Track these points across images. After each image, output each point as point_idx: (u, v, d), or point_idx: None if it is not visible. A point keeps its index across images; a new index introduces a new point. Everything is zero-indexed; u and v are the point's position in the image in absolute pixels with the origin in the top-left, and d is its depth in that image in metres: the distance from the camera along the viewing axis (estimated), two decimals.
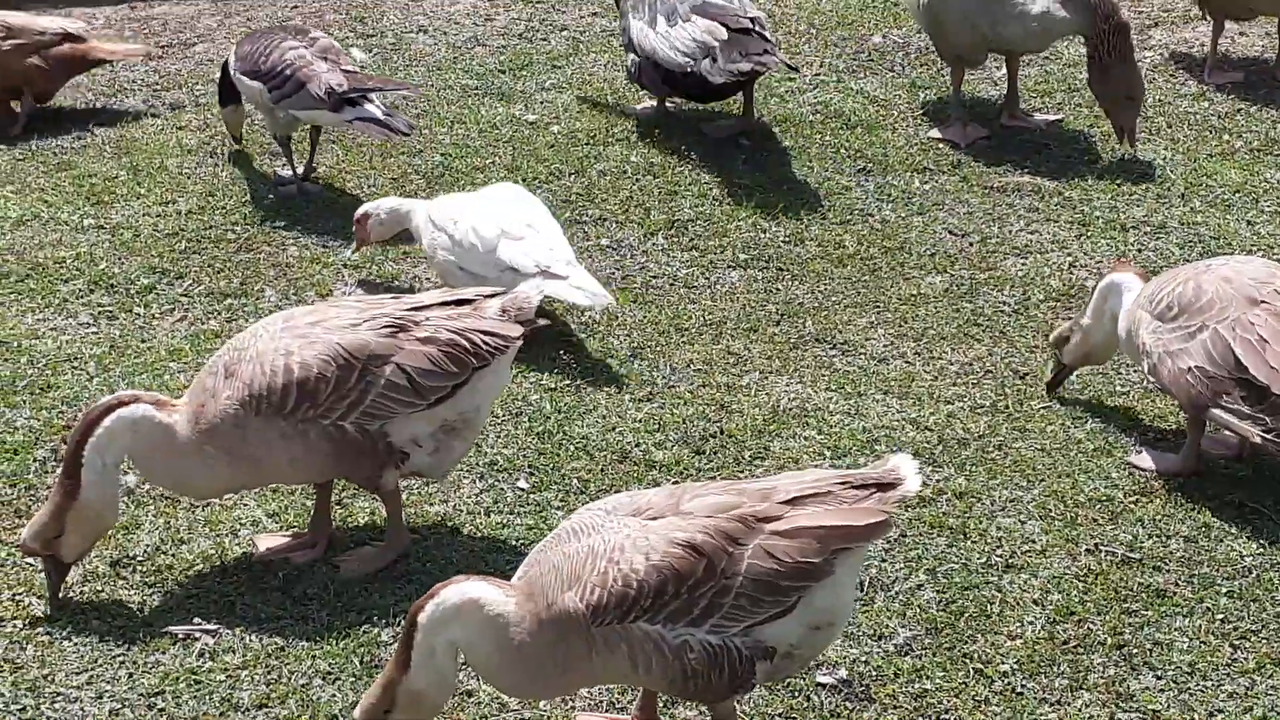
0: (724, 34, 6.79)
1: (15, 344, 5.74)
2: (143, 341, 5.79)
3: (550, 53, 8.02)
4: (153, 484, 4.89)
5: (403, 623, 3.86)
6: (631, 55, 7.16)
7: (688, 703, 4.16)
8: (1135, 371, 5.49)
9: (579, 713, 4.36)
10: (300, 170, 6.90)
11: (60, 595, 4.58)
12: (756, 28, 6.91)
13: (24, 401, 5.44)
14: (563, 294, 5.68)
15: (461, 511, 5.03)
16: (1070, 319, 5.49)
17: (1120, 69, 7.02)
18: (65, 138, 7.14)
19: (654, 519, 3.93)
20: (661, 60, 6.93)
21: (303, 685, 4.40)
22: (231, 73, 6.73)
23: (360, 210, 6.18)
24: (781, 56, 7.06)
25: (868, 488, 4.04)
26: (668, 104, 7.47)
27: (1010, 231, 6.63)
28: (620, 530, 3.89)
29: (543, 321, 4.81)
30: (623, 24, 7.25)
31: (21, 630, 4.53)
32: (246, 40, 6.82)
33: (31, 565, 4.67)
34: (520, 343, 4.70)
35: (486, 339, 4.63)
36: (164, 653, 4.48)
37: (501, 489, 5.14)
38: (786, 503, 3.98)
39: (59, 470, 4.51)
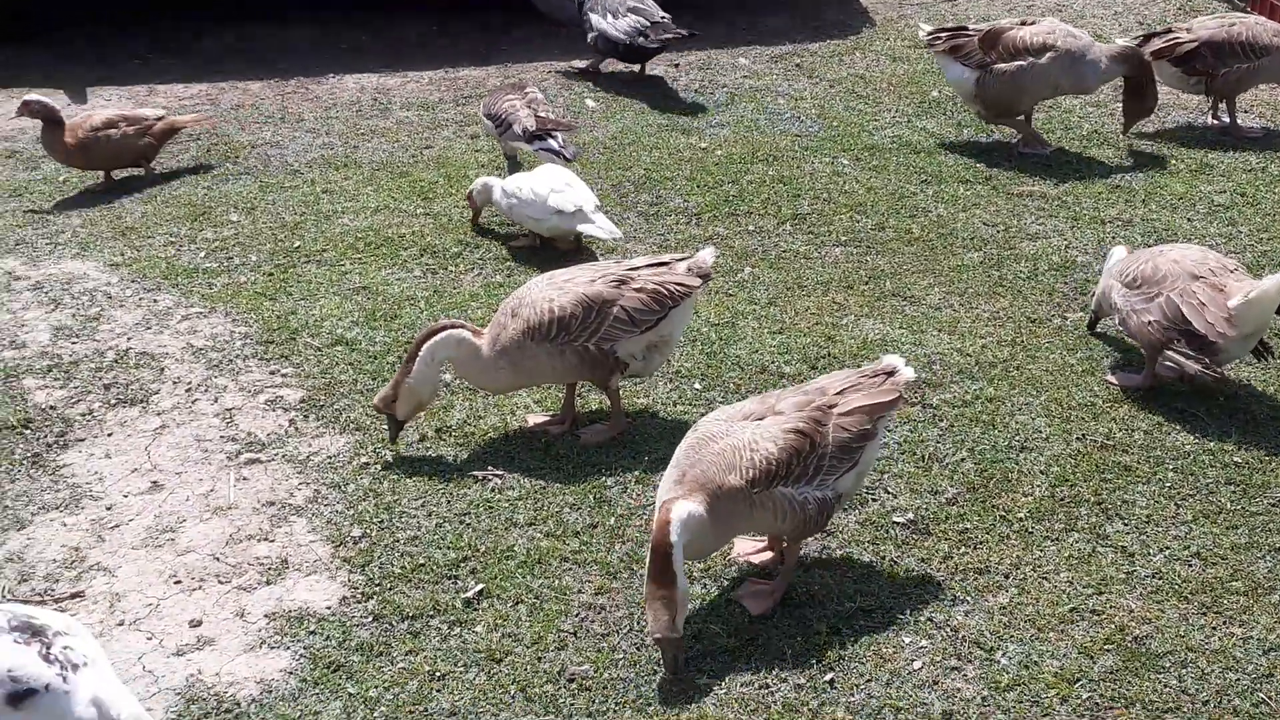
0: (648, 22, 7.80)
1: (375, 288, 5.81)
2: (454, 289, 5.84)
3: (715, 102, 7.91)
4: (462, 381, 4.90)
5: (651, 552, 3.66)
6: (591, 34, 7.98)
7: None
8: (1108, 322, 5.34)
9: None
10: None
11: (397, 442, 4.67)
12: (667, 20, 7.85)
13: (380, 325, 5.52)
14: (591, 231, 5.86)
15: (657, 403, 5.02)
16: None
17: (1151, 89, 6.92)
18: (403, 154, 7.20)
19: (759, 420, 3.90)
20: (611, 37, 7.86)
21: (556, 511, 4.43)
22: (480, 113, 6.84)
23: (467, 190, 6.32)
24: (680, 32, 7.80)
25: (878, 376, 4.02)
26: (601, 68, 8.29)
27: (1025, 223, 6.45)
28: (744, 430, 3.86)
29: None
30: (584, 15, 8.06)
31: (381, 470, 4.62)
32: (490, 95, 6.90)
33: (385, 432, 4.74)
34: (701, 289, 4.70)
35: (678, 287, 4.64)
36: (469, 488, 4.54)
37: (683, 389, 5.11)
38: (838, 394, 3.96)
39: (405, 359, 4.59)
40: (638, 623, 3.95)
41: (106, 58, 8.52)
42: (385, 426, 4.70)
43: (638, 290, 4.62)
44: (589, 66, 8.33)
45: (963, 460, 4.67)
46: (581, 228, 5.89)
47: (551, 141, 6.47)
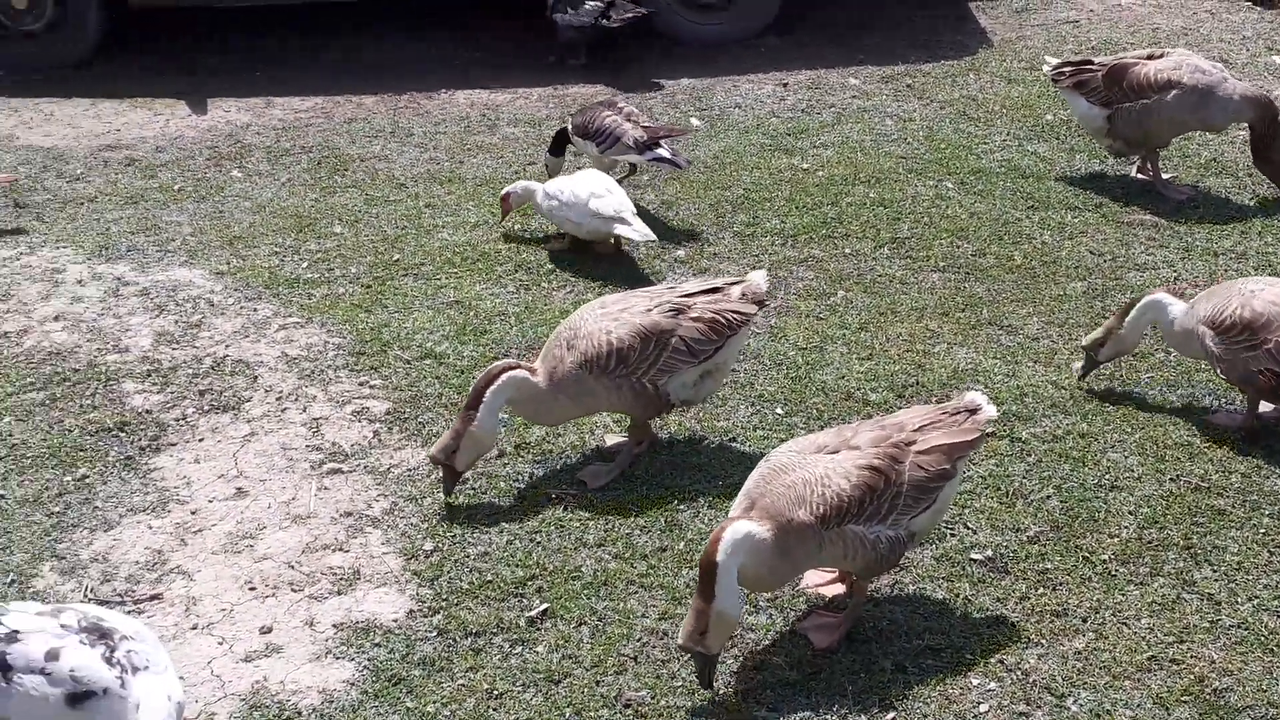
0: (605, 4, 8.45)
1: (468, 303, 5.88)
2: (544, 305, 5.88)
3: (821, 122, 7.84)
4: (523, 418, 4.83)
5: (700, 565, 3.65)
6: (562, 28, 8.57)
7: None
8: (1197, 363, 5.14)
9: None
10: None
11: (452, 496, 4.52)
12: (626, 2, 8.55)
13: (470, 340, 5.58)
14: (627, 233, 5.95)
15: (737, 427, 4.98)
16: (1101, 327, 5.08)
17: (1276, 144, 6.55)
18: (506, 170, 7.26)
19: (834, 453, 3.82)
20: (576, 25, 8.52)
21: (626, 534, 4.42)
22: (570, 134, 6.78)
23: (504, 191, 6.40)
24: (641, 11, 8.55)
25: (960, 414, 3.93)
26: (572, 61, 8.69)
27: (1134, 253, 6.26)
28: (817, 464, 3.78)
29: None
30: (552, 17, 8.59)
31: (458, 485, 4.65)
32: (578, 114, 6.85)
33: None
34: (757, 316, 4.71)
35: (735, 315, 4.60)
36: (542, 506, 4.55)
37: (764, 414, 5.06)
38: (917, 430, 3.86)
39: (464, 406, 4.48)
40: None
41: (227, 69, 8.77)
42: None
43: (695, 319, 4.55)
44: (556, 58, 8.73)
45: (1048, 497, 4.55)
46: (618, 230, 6.00)
47: (662, 150, 6.51)
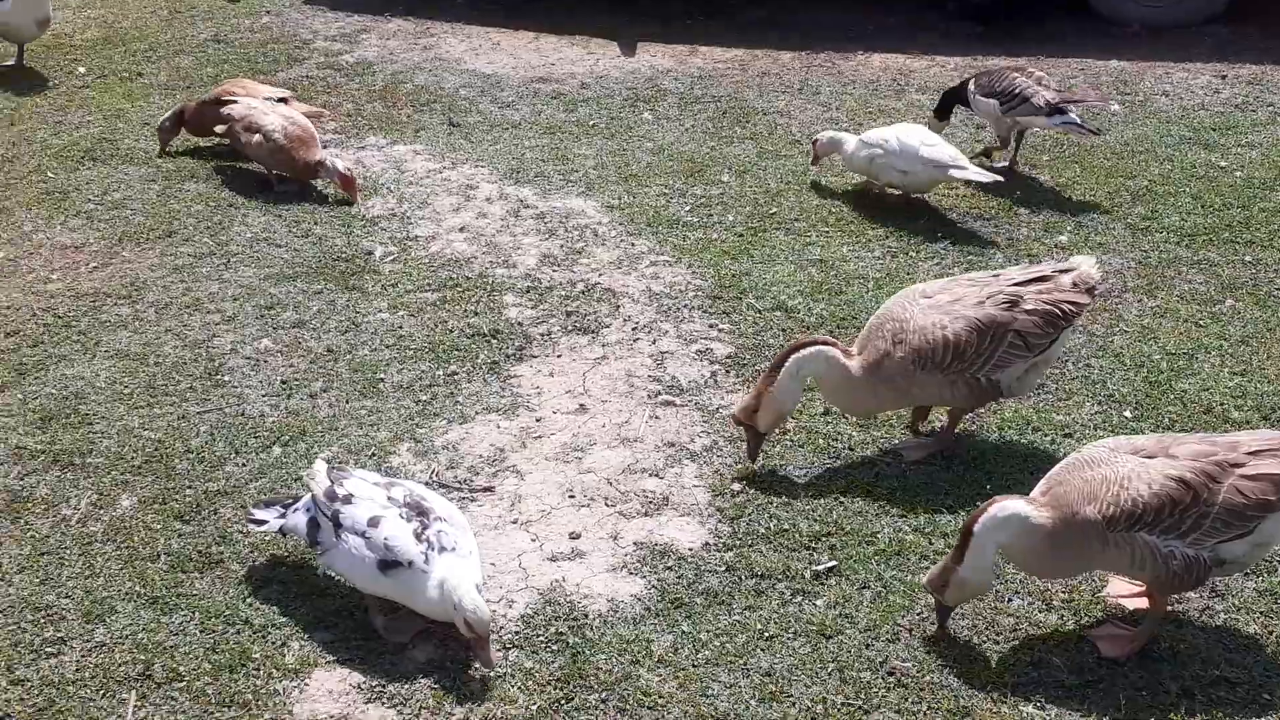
0: None
1: (831, 262, 5.95)
2: (907, 274, 5.84)
3: (1254, 120, 7.26)
4: (829, 403, 4.82)
5: (961, 528, 3.74)
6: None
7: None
8: None
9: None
10: (1007, 161, 6.74)
11: (755, 456, 4.57)
12: None
13: (824, 298, 5.66)
14: (969, 176, 6.04)
15: (1077, 424, 4.80)
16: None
17: None
18: None
19: (1149, 458, 3.63)
20: None
21: (933, 510, 4.37)
22: (970, 95, 6.66)
23: (815, 138, 6.54)
24: None
25: None
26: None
27: None
28: (1124, 464, 3.63)
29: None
30: None
31: (778, 434, 4.74)
32: (983, 74, 6.72)
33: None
34: (1090, 306, 4.53)
35: (1070, 306, 4.40)
36: (856, 469, 4.59)
37: (1111, 415, 4.84)
38: (1251, 454, 3.59)
39: (768, 368, 4.53)
40: (980, 634, 3.87)
41: (660, 14, 9.18)
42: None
43: (1030, 312, 4.38)
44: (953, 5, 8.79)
45: None
46: (956, 174, 6.07)
47: (1072, 114, 6.31)
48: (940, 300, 4.48)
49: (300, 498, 4.03)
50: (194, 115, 6.99)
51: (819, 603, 4.02)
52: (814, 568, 4.15)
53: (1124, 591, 4.01)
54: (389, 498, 3.85)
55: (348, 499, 3.84)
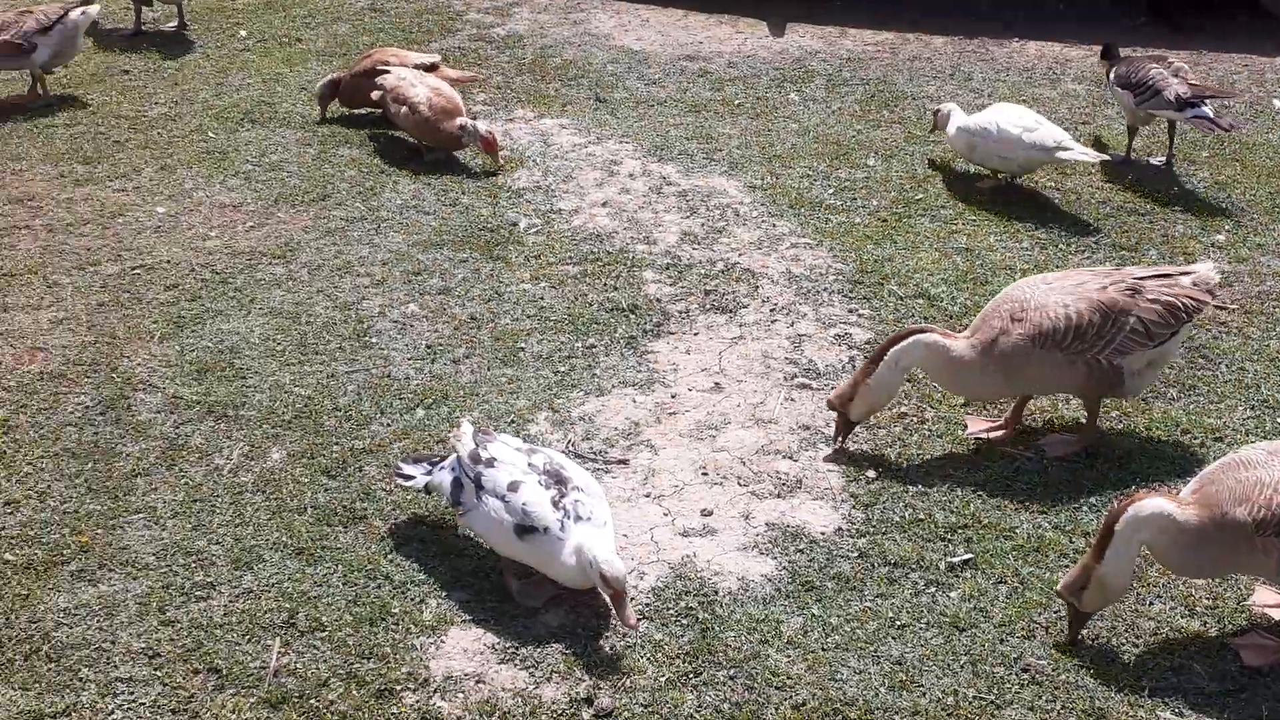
0: None
1: (977, 251, 5.85)
2: (1057, 265, 5.72)
3: None
4: (938, 385, 4.76)
5: (1101, 524, 3.70)
6: None
7: None
8: None
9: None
10: (1164, 159, 6.60)
11: (842, 442, 4.56)
12: None
13: (968, 287, 5.56)
14: (1075, 157, 6.05)
15: (1228, 427, 4.67)
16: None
17: None
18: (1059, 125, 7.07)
19: None
20: None
21: (1074, 507, 4.30)
22: (1109, 84, 6.61)
23: (936, 108, 6.66)
24: None
25: None
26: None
27: None
28: None
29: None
30: None
31: (916, 423, 4.70)
32: (1122, 63, 6.58)
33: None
34: (1211, 306, 4.48)
35: (1191, 302, 4.37)
36: (995, 461, 4.53)
37: (1265, 420, 4.70)
38: None
39: (868, 359, 4.51)
40: (1119, 637, 3.80)
41: None
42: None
43: (1152, 301, 4.35)
44: None
45: None
46: (1063, 155, 6.04)
47: (1205, 108, 6.14)
48: (1063, 284, 4.47)
49: (446, 457, 4.12)
50: (347, 86, 7.15)
51: (953, 595, 3.99)
52: (949, 559, 4.11)
53: (1271, 601, 3.90)
54: (529, 464, 3.91)
55: (490, 462, 3.91)
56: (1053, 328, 4.36)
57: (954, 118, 6.44)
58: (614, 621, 3.79)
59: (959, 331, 4.58)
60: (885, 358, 4.43)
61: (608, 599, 3.72)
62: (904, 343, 4.43)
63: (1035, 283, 4.52)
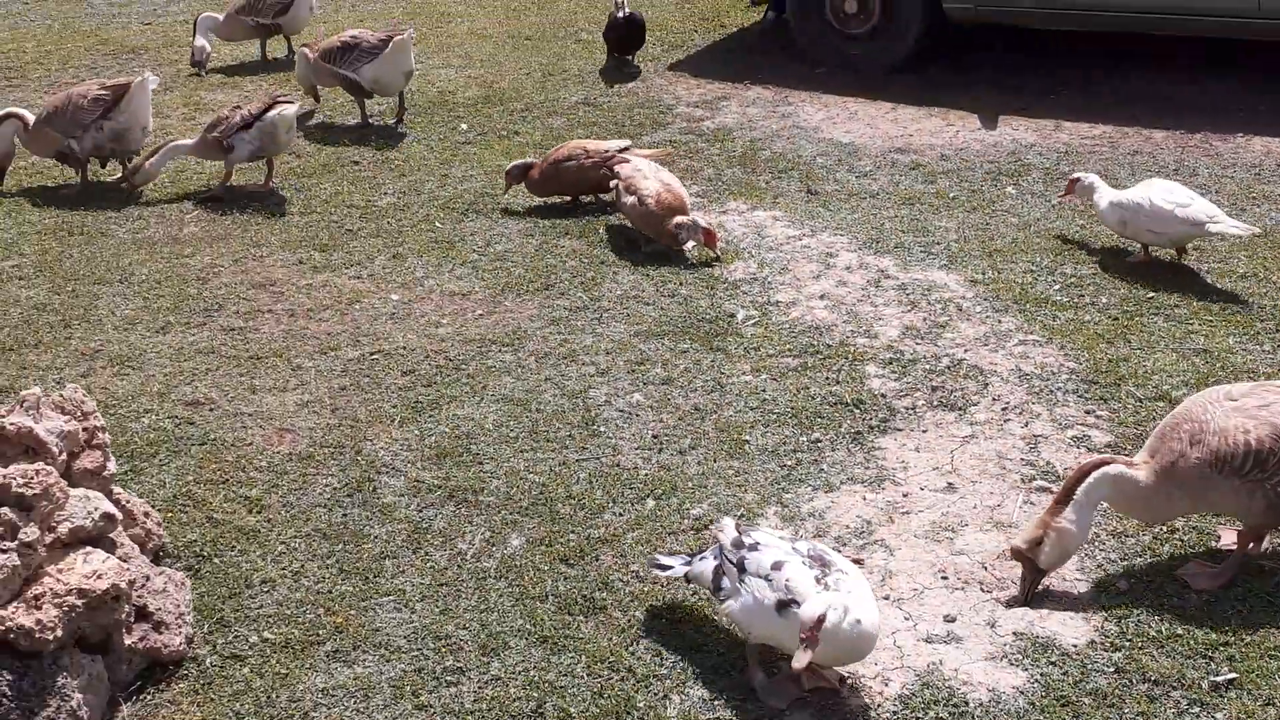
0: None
1: (1216, 353, 5.63)
2: None
3: None
4: (1123, 514, 4.54)
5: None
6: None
7: None
8: None
9: None
10: None
11: (1029, 595, 4.28)
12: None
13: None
14: (1225, 229, 6.14)
15: None
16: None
17: None
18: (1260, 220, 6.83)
19: None
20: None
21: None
22: None
23: (1073, 176, 6.78)
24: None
25: None
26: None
27: None
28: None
29: None
30: None
31: (1167, 532, 4.53)
32: None
33: None
34: None
35: None
36: (1250, 571, 4.35)
37: None
38: None
39: (1054, 499, 4.28)
40: None
41: (1024, 89, 9.02)
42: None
43: None
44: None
45: None
46: (1214, 229, 6.14)
47: None
48: (1246, 404, 4.21)
49: (702, 550, 4.15)
50: (542, 173, 7.33)
51: (1219, 716, 3.79)
52: (1212, 678, 3.92)
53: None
54: (793, 548, 3.91)
55: (754, 546, 3.93)
56: (1231, 453, 4.11)
57: (1103, 192, 6.56)
58: None
59: (1134, 458, 4.35)
60: (1075, 498, 4.22)
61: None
62: (1092, 478, 4.22)
63: (1217, 397, 4.27)
